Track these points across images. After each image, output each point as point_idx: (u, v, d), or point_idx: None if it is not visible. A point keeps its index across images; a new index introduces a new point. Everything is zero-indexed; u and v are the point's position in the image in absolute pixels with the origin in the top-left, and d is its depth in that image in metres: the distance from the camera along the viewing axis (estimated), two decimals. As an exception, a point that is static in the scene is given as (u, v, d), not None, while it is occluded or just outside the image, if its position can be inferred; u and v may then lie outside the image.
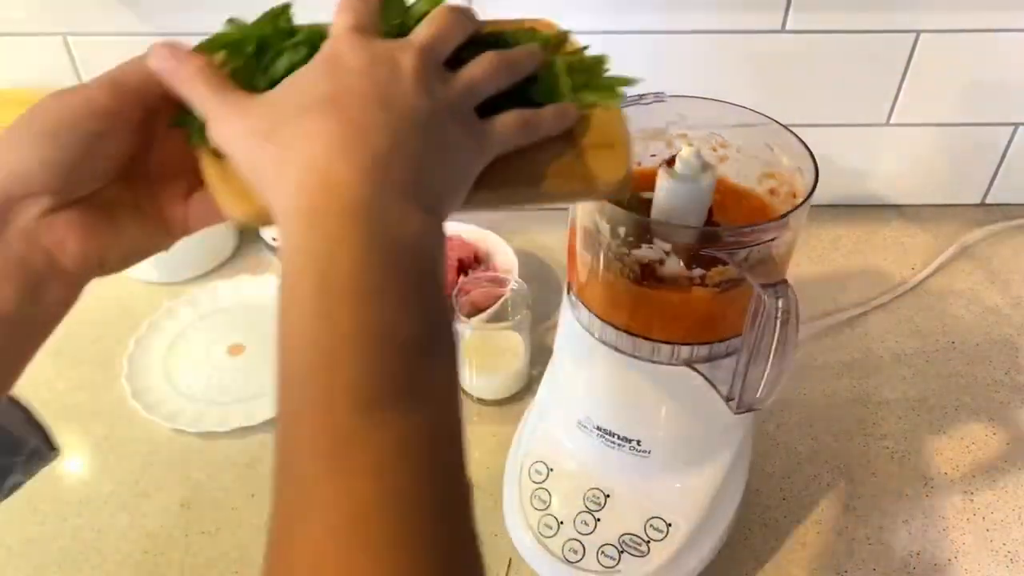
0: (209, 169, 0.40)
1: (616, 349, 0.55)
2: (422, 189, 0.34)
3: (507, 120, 0.40)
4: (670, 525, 0.59)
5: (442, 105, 0.36)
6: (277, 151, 0.34)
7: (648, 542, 0.59)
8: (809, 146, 0.52)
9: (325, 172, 0.33)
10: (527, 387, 0.77)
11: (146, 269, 0.88)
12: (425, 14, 0.41)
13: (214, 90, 0.37)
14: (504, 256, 0.87)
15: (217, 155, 0.40)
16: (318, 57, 0.37)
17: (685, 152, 0.49)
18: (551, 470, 0.63)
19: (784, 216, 0.48)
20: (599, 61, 0.45)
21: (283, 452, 0.31)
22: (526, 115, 0.40)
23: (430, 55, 0.38)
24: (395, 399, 0.31)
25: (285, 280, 0.33)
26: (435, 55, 0.38)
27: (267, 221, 0.37)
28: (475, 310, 0.78)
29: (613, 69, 0.46)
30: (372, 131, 0.34)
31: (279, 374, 0.32)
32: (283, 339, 0.32)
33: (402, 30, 0.41)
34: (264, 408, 0.74)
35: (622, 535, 0.59)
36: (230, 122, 0.36)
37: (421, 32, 0.39)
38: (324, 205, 0.32)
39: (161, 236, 0.43)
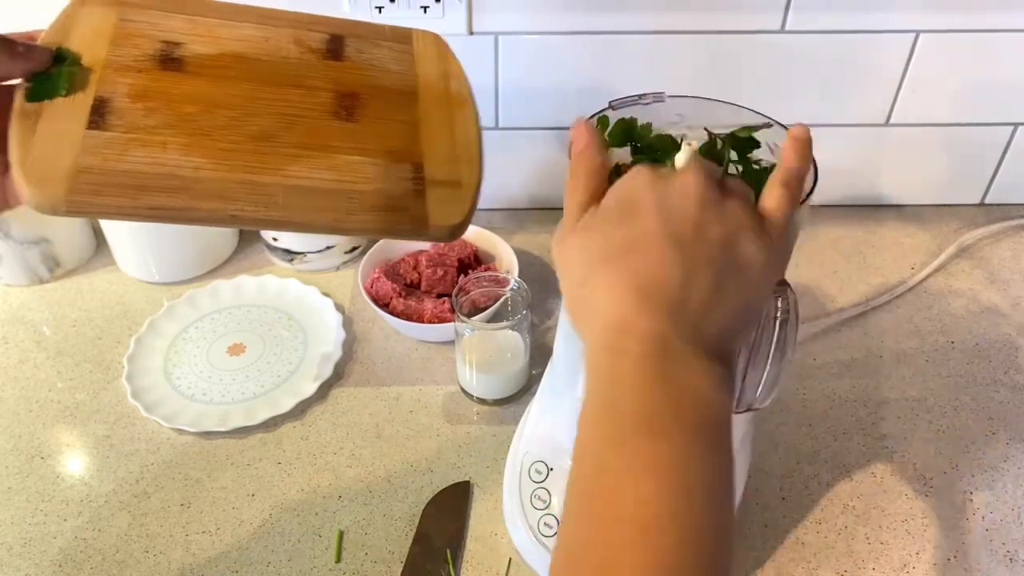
0: (15, 154, 0.40)
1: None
2: (711, 333, 0.37)
3: (779, 205, 0.41)
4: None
5: (731, 227, 0.39)
6: (588, 297, 0.39)
7: (648, 542, 0.59)
8: (809, 146, 0.52)
9: (621, 321, 0.37)
10: (527, 387, 0.77)
11: (146, 269, 0.88)
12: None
13: (571, 212, 0.42)
14: (504, 256, 0.87)
15: (24, 140, 0.40)
16: (615, 195, 0.41)
17: (685, 152, 0.49)
18: (551, 470, 0.63)
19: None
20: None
21: (582, 521, 0.36)
22: (787, 181, 0.42)
23: (708, 181, 0.40)
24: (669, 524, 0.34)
25: (586, 402, 0.38)
26: (712, 181, 0.40)
27: (58, 211, 0.40)
28: (475, 310, 0.78)
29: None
30: (664, 275, 0.37)
31: (573, 471, 0.37)
32: (578, 446, 0.37)
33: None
34: (264, 408, 0.74)
35: (622, 535, 0.59)
36: (563, 259, 0.42)
37: (693, 165, 0.41)
38: (620, 348, 0.37)
39: None
